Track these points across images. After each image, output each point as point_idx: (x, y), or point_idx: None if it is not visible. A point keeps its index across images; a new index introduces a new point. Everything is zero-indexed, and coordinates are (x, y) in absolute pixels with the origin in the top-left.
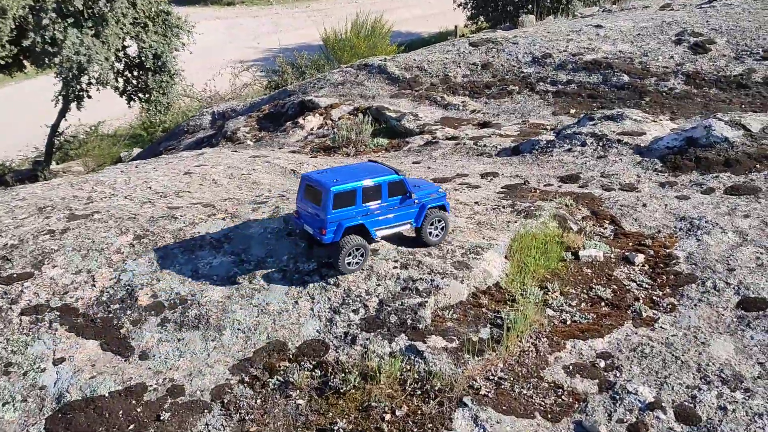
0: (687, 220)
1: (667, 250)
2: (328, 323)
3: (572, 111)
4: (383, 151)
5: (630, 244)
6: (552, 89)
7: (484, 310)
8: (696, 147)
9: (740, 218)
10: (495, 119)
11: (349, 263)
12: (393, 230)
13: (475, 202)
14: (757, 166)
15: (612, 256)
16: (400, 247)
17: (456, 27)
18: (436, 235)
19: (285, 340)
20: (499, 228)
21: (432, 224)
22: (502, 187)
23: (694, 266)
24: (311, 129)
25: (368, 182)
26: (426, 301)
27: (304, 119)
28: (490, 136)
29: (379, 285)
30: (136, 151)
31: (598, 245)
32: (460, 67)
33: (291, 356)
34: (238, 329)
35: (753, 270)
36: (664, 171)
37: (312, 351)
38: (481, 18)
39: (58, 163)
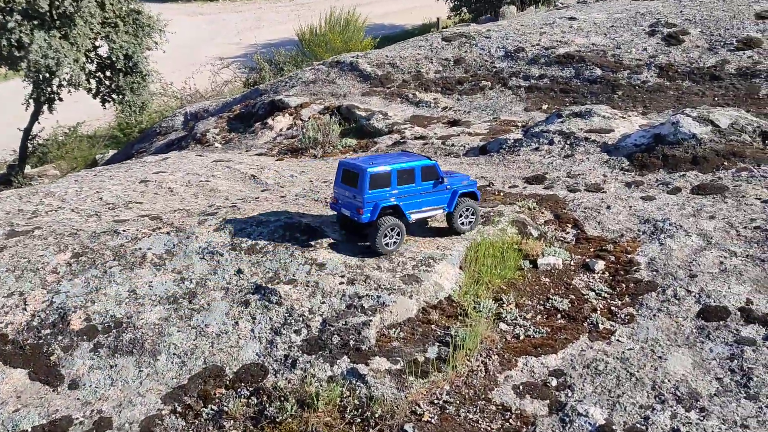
0: (651, 223)
1: (629, 256)
2: (268, 345)
3: (544, 106)
4: (351, 152)
5: (591, 249)
6: (524, 84)
7: (433, 326)
8: (663, 144)
9: (705, 220)
10: (466, 116)
11: (386, 244)
12: (426, 214)
13: None
14: (725, 163)
15: (572, 263)
16: (348, 260)
17: (438, 19)
18: (467, 223)
19: (222, 365)
20: (455, 236)
21: (463, 213)
22: None
23: (655, 273)
24: (280, 130)
25: (402, 165)
26: (371, 320)
27: (273, 120)
28: (458, 135)
29: (323, 303)
30: (112, 153)
31: (557, 252)
32: (432, 62)
33: (228, 382)
34: (174, 354)
35: (716, 276)
36: (631, 170)
37: (250, 376)
38: (464, 9)
39: (34, 167)
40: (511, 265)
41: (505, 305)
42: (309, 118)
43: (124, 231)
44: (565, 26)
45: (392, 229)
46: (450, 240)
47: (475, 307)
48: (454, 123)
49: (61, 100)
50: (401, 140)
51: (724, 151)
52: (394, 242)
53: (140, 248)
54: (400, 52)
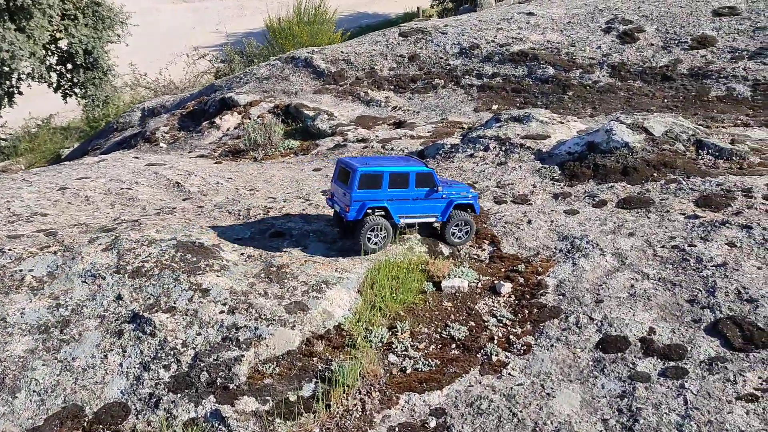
0: (569, 240)
1: (539, 278)
2: (135, 382)
3: (494, 107)
4: (292, 155)
5: (503, 269)
6: (477, 83)
7: (315, 360)
8: (596, 153)
9: (624, 237)
10: (413, 117)
11: (372, 242)
12: (417, 220)
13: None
14: (655, 174)
15: (479, 285)
16: (236, 285)
17: (418, 9)
18: (460, 237)
19: (83, 404)
20: (358, 257)
21: (457, 225)
22: None
23: (561, 297)
24: (227, 129)
25: (396, 169)
26: (243, 355)
27: (220, 119)
28: (400, 138)
29: (199, 334)
30: (73, 149)
31: (465, 273)
32: (386, 59)
33: (86, 424)
34: (35, 391)
35: (622, 301)
36: (561, 180)
37: (110, 417)
38: None
39: (1, 161)
40: (414, 288)
41: (399, 333)
42: (259, 116)
43: (9, 250)
44: (523, 22)
45: (378, 228)
46: (352, 261)
47: (365, 336)
48: (399, 124)
49: (20, 93)
50: (343, 143)
51: (656, 161)
52: (380, 241)
53: (21, 270)
54: (356, 47)
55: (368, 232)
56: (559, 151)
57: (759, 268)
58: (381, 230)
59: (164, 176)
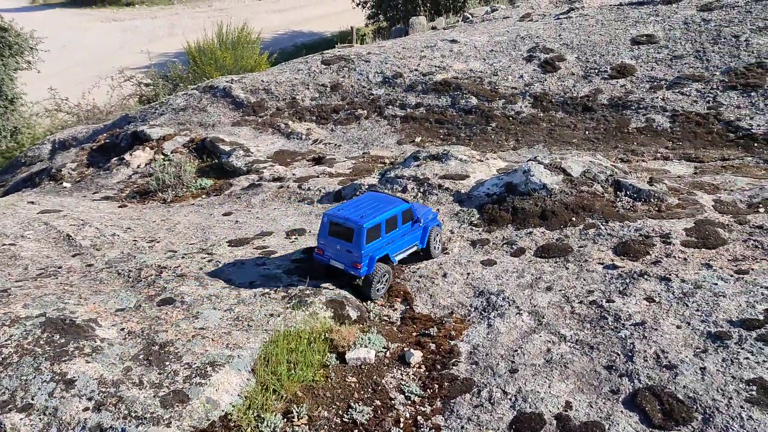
0: (485, 296)
1: (452, 343)
2: None
3: (418, 139)
4: (204, 195)
5: (414, 333)
6: (400, 113)
7: None
8: (515, 195)
9: (542, 292)
10: (335, 151)
11: (378, 290)
12: (406, 253)
13: (250, 282)
14: (573, 218)
15: (388, 353)
16: (107, 373)
17: (352, 28)
18: (439, 248)
19: None
20: (256, 326)
21: (437, 241)
22: (302, 252)
23: (474, 366)
24: (138, 166)
25: (389, 214)
26: None
27: (131, 155)
28: (318, 177)
29: None
30: None
31: (372, 341)
32: (308, 89)
33: None
34: None
35: (538, 370)
36: (480, 225)
37: None
38: (381, 17)
39: None
40: (315, 362)
41: (295, 420)
42: (173, 151)
43: None
44: (446, 50)
45: (382, 275)
46: (248, 332)
47: (256, 427)
48: (318, 160)
49: None
50: (258, 182)
51: (574, 204)
52: (383, 287)
53: None
54: (277, 76)
55: (376, 284)
56: (478, 192)
57: (678, 327)
58: (385, 277)
59: (55, 227)
